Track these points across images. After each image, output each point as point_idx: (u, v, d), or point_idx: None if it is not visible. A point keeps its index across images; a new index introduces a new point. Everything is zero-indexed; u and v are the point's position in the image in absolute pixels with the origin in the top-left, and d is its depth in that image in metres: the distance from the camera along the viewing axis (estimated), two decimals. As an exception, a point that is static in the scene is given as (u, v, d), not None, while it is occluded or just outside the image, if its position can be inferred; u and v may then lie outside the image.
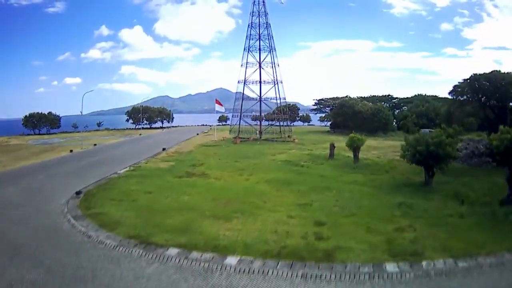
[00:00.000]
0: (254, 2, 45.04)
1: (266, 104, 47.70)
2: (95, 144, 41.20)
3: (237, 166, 24.77)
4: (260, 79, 44.45)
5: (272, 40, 44.55)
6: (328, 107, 68.18)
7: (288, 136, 44.35)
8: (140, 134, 56.52)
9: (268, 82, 44.97)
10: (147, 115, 73.84)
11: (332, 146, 27.11)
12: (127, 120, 73.59)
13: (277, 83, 44.08)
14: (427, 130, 49.48)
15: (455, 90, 25.51)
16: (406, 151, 18.60)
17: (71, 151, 35.15)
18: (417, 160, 18.12)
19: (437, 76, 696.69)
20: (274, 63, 44.00)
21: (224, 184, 19.24)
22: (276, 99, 45.62)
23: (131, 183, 19.68)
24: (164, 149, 34.81)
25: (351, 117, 52.56)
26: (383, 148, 36.04)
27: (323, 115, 73.58)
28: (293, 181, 19.54)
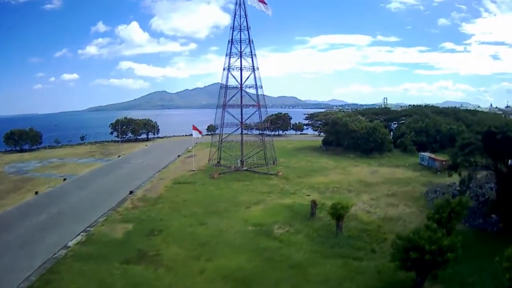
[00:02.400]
0: (235, 15, 40.59)
1: (248, 130, 44.06)
2: (64, 179, 38.11)
3: (199, 235, 21.85)
4: (241, 102, 40.54)
5: (254, 58, 40.29)
6: (320, 121, 64.30)
7: (273, 163, 40.81)
8: (119, 156, 53.14)
9: (252, 105, 41.07)
10: (132, 127, 70.18)
11: (314, 205, 23.87)
12: (111, 133, 70.04)
13: (260, 108, 40.13)
14: (426, 154, 44.94)
15: (466, 146, 22.07)
16: (397, 252, 15.01)
17: (36, 193, 32.87)
18: (408, 268, 14.68)
19: (434, 71, 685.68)
20: (257, 85, 40.00)
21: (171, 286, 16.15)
22: (260, 122, 41.80)
23: (73, 272, 17.62)
24: (131, 192, 31.63)
25: (345, 136, 48.72)
26: (376, 187, 32.43)
27: (316, 125, 69.67)
28: (253, 280, 16.39)
